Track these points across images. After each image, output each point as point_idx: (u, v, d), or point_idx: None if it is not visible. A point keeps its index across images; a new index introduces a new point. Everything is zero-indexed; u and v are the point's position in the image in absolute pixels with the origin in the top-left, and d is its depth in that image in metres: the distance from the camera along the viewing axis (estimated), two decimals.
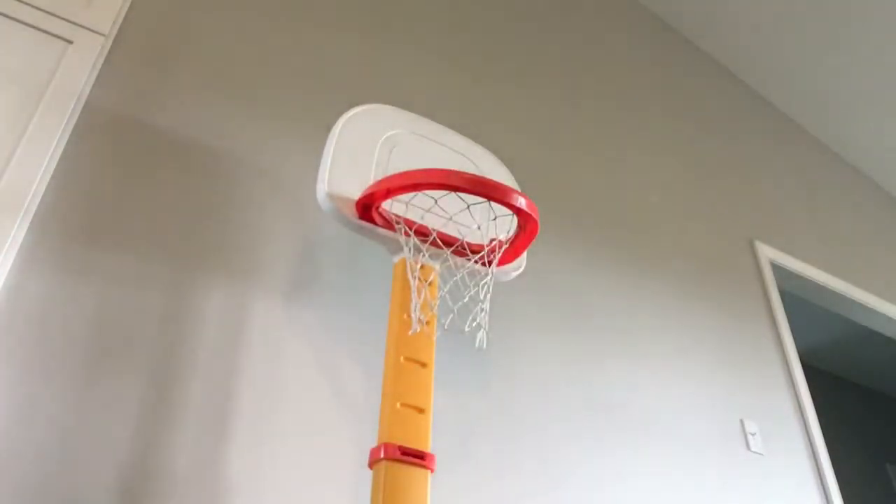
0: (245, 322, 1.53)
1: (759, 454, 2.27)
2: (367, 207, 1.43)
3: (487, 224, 1.59)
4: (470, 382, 1.77)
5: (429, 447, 1.22)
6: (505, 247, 1.51)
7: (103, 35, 1.70)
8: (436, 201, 1.51)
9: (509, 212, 1.57)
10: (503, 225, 1.61)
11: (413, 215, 1.49)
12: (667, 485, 1.96)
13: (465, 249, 1.49)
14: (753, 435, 2.29)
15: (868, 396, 5.65)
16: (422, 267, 1.43)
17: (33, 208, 1.41)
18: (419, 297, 1.37)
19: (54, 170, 1.49)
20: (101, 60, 1.67)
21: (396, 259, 1.46)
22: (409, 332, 1.33)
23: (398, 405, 1.24)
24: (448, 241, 1.49)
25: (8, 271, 1.33)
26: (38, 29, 1.63)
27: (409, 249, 1.43)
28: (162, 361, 1.40)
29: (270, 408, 1.46)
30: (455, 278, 1.54)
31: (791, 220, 3.31)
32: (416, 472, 1.18)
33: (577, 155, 2.58)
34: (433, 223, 1.50)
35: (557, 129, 2.59)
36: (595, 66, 2.99)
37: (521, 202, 1.32)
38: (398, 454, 1.17)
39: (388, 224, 1.46)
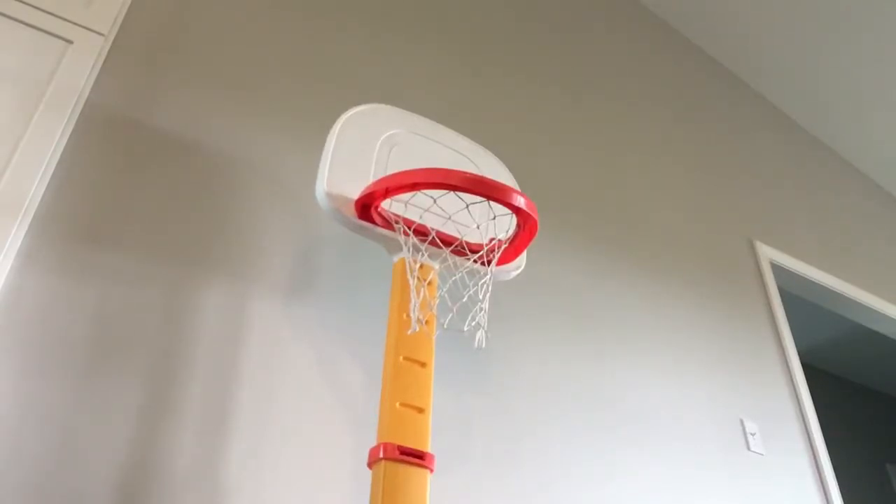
0: (245, 322, 1.53)
1: (760, 454, 2.27)
2: (366, 207, 1.43)
3: (487, 223, 1.59)
4: (469, 382, 1.77)
5: (428, 447, 1.22)
6: (504, 246, 1.51)
7: (103, 35, 1.70)
8: (435, 201, 1.51)
9: (509, 211, 1.57)
10: (502, 224, 1.61)
11: (412, 215, 1.49)
12: (666, 485, 1.96)
13: (464, 249, 1.49)
14: (753, 435, 2.29)
15: (868, 396, 5.65)
16: (421, 266, 1.43)
17: (33, 208, 1.41)
18: (418, 297, 1.37)
19: (54, 170, 1.49)
20: (101, 60, 1.67)
21: (395, 259, 1.46)
22: (409, 332, 1.33)
23: (397, 405, 1.24)
24: (447, 241, 1.49)
25: (8, 271, 1.33)
26: (38, 29, 1.63)
27: (409, 249, 1.43)
28: (162, 361, 1.40)
29: (270, 407, 1.46)
30: (454, 278, 1.54)
31: (791, 220, 3.31)
32: (415, 471, 1.18)
33: (577, 154, 2.58)
34: (432, 222, 1.50)
35: (557, 129, 2.59)
36: (596, 67, 2.99)
37: (521, 201, 1.32)
38: (397, 454, 1.17)
39: (388, 223, 1.46)
